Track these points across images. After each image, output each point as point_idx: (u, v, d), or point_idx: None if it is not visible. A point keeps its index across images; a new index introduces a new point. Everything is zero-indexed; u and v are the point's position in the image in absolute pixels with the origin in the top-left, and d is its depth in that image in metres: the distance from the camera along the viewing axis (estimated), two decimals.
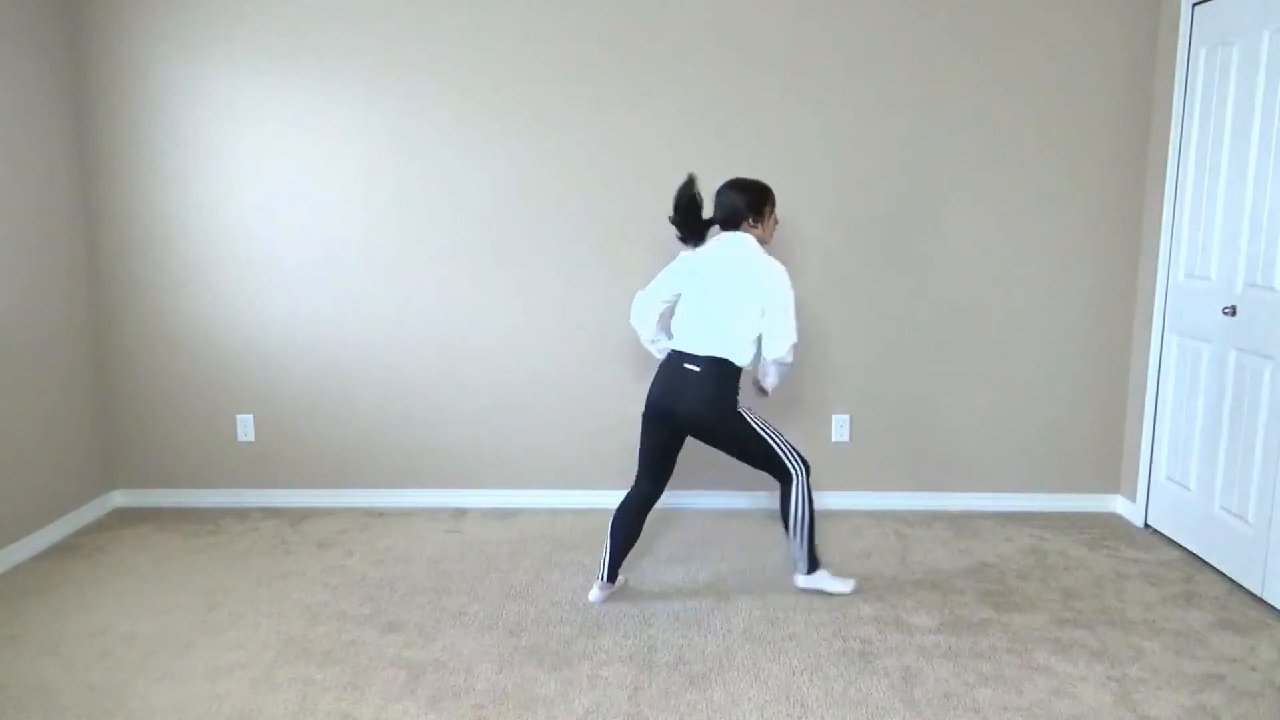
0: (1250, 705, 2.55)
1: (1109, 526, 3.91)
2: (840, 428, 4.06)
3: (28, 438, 3.63)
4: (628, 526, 3.14)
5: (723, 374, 3.02)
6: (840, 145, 3.86)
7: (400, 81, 3.87)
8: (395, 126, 3.90)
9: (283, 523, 3.96)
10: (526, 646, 2.87)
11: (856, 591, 3.24)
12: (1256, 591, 3.19)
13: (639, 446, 3.16)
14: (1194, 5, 3.53)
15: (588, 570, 3.43)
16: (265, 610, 3.13)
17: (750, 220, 3.07)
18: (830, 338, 3.98)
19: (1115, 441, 4.05)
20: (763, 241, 3.08)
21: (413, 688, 2.63)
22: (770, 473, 3.14)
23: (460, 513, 4.09)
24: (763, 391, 3.25)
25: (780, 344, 3.01)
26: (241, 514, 4.07)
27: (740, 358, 3.02)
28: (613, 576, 3.18)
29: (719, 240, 3.07)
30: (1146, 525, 3.88)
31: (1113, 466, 4.07)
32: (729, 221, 3.08)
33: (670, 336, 3.17)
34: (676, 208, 3.07)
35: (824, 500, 4.00)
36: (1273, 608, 3.12)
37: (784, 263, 3.06)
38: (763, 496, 4.08)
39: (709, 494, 4.08)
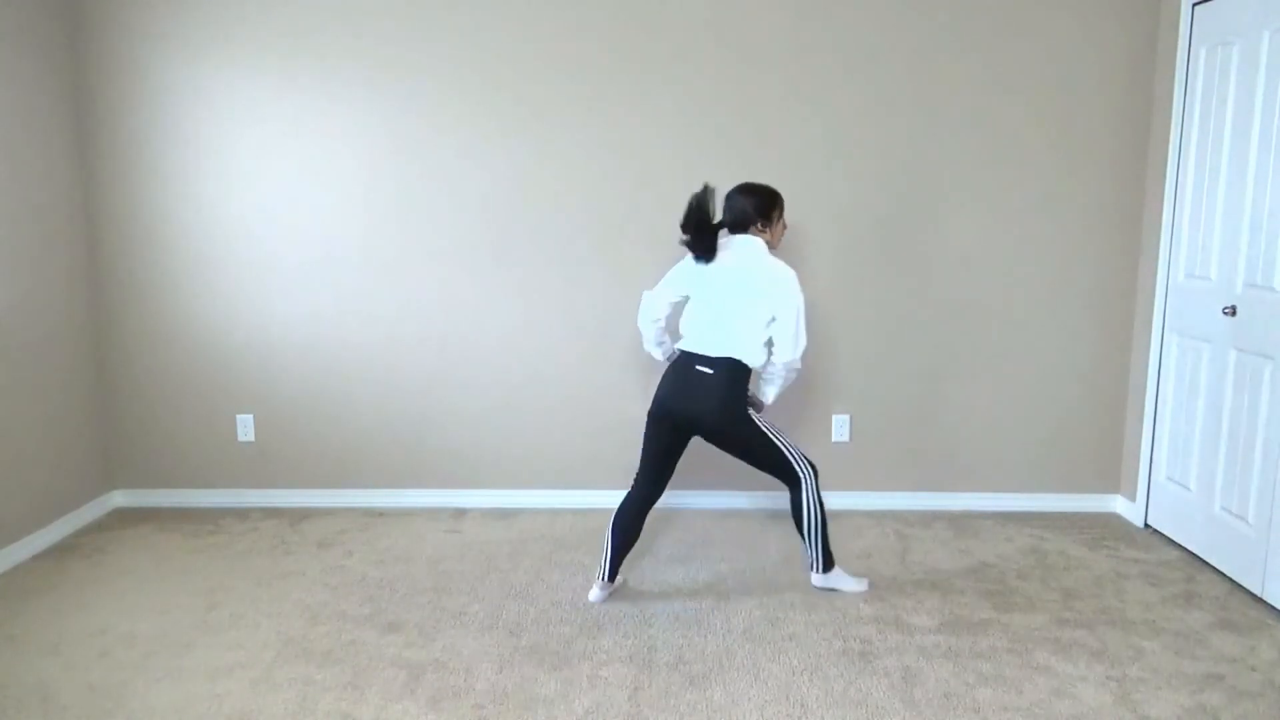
0: (1250, 705, 2.55)
1: (1109, 526, 3.91)
2: (840, 428, 4.06)
3: (28, 438, 3.63)
4: (627, 527, 3.15)
5: (735, 376, 3.02)
6: (840, 145, 3.86)
7: (400, 81, 3.87)
8: (395, 126, 3.90)
9: (283, 523, 3.96)
10: (526, 646, 2.87)
11: (871, 589, 3.25)
12: (1256, 591, 3.19)
13: (642, 446, 3.16)
14: (1194, 5, 3.53)
15: (588, 570, 3.43)
16: (265, 610, 3.13)
17: (758, 225, 3.08)
18: (830, 338, 3.98)
19: (1115, 441, 4.05)
20: (770, 246, 3.09)
21: (413, 688, 2.63)
22: (778, 476, 3.14)
23: (460, 513, 4.09)
24: (758, 405, 3.22)
25: (792, 348, 3.03)
26: (241, 514, 4.07)
27: (753, 360, 3.03)
28: (612, 576, 3.18)
29: (728, 243, 3.07)
30: (1146, 525, 3.88)
31: (1113, 466, 4.07)
32: (737, 225, 3.08)
33: (673, 338, 3.17)
34: (687, 225, 3.02)
35: (825, 500, 3.99)
36: (1273, 608, 3.12)
37: (784, 263, 3.06)
38: (763, 496, 4.08)
39: (709, 494, 4.08)
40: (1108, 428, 4.04)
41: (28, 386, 3.63)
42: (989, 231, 3.91)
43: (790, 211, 3.77)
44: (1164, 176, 3.73)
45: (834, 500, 4.06)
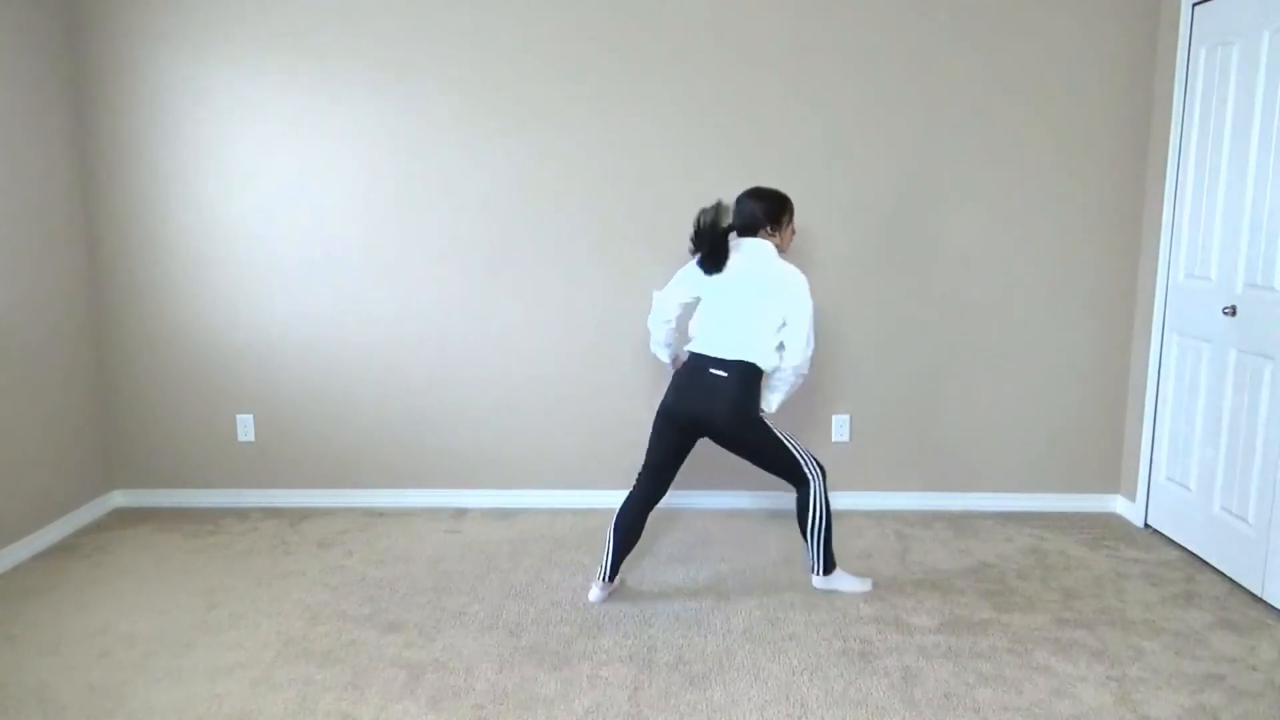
0: (1250, 705, 2.55)
1: (1109, 526, 3.91)
2: (840, 428, 4.06)
3: (28, 438, 3.63)
4: (629, 527, 3.15)
5: (748, 379, 3.03)
6: (840, 145, 3.86)
7: (400, 82, 3.87)
8: (395, 126, 3.90)
9: (283, 523, 3.96)
10: (526, 646, 2.87)
11: (873, 588, 3.25)
12: (1256, 591, 3.19)
13: (648, 447, 3.16)
14: (1194, 5, 3.53)
15: (588, 570, 3.43)
16: (265, 610, 3.13)
17: (768, 229, 3.09)
18: (830, 337, 3.98)
19: (1115, 441, 4.05)
20: (780, 250, 3.10)
21: (413, 688, 2.63)
22: (786, 478, 3.15)
23: (460, 513, 4.09)
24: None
25: (802, 352, 3.05)
26: (241, 514, 4.07)
27: (766, 363, 3.04)
28: (613, 576, 3.19)
29: (737, 245, 3.08)
30: (1146, 525, 3.88)
31: (1113, 466, 4.07)
32: (746, 229, 3.10)
33: (681, 339, 3.18)
34: (700, 245, 3.03)
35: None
36: (1273, 608, 3.12)
37: (794, 266, 3.08)
38: (763, 496, 4.08)
39: (709, 494, 4.08)
40: (1108, 428, 4.04)
41: (28, 386, 3.63)
42: (989, 231, 3.91)
43: None
44: (1164, 176, 3.73)
45: (834, 500, 4.05)
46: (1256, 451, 3.19)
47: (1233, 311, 3.32)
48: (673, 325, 3.21)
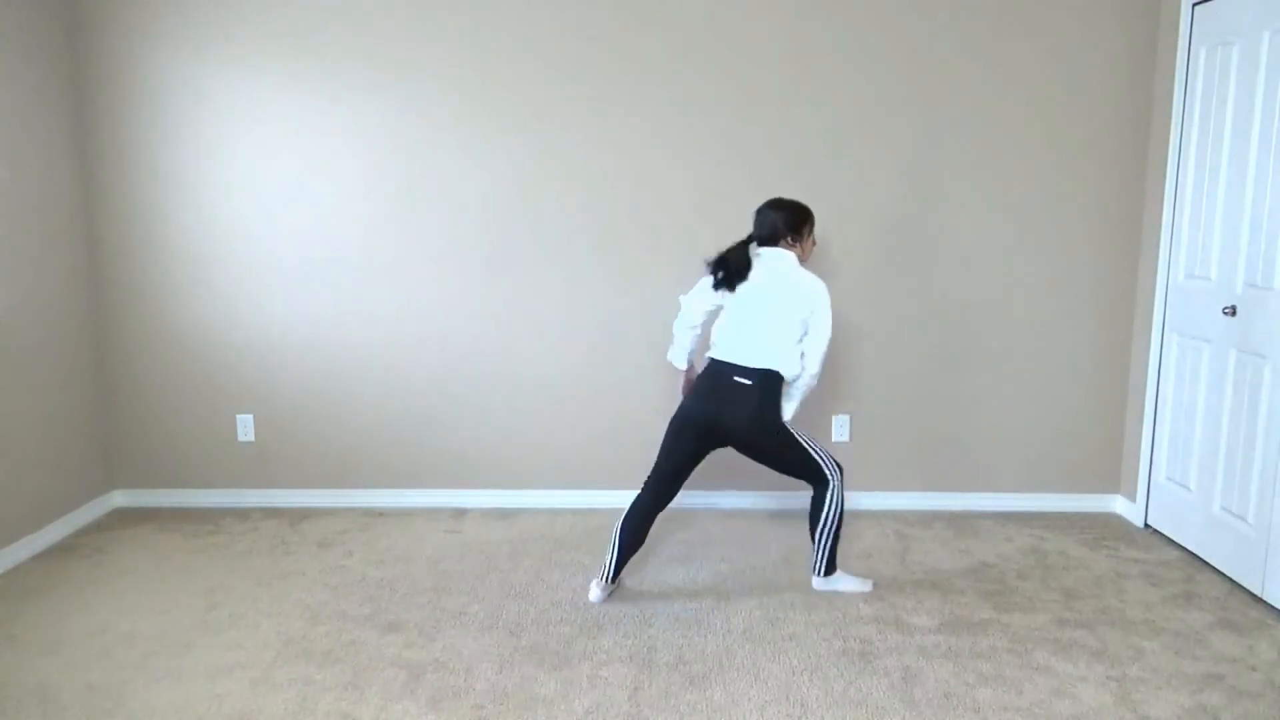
0: (1250, 705, 2.55)
1: (1109, 526, 3.91)
2: (840, 428, 4.06)
3: (28, 438, 3.63)
4: (635, 529, 3.15)
5: (771, 387, 3.05)
6: (840, 145, 3.86)
7: (400, 82, 3.87)
8: (395, 126, 3.90)
9: (283, 523, 3.96)
10: (526, 646, 2.87)
11: (873, 589, 3.25)
12: (1256, 591, 3.19)
13: (661, 451, 3.15)
14: (1194, 5, 3.53)
15: (588, 570, 3.43)
16: (265, 610, 3.13)
17: (789, 239, 3.11)
18: (830, 337, 3.97)
19: (1115, 441, 4.05)
20: (800, 260, 3.11)
21: (413, 688, 2.63)
22: (806, 480, 3.16)
23: (460, 513, 4.09)
24: None
25: (820, 360, 3.09)
26: (241, 514, 4.07)
27: (789, 371, 3.06)
28: (615, 577, 3.18)
29: (760, 256, 3.10)
30: (1146, 525, 3.88)
31: (1113, 466, 4.07)
32: (766, 239, 3.12)
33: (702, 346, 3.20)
34: (727, 267, 3.06)
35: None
36: (1273, 608, 3.12)
37: (815, 276, 3.11)
38: (763, 496, 4.09)
39: (710, 494, 4.08)
40: (1108, 428, 4.04)
41: (28, 386, 3.63)
42: (989, 231, 3.91)
43: None
44: (1164, 176, 3.73)
45: None
46: (1256, 451, 3.19)
47: (1233, 311, 3.32)
48: (698, 332, 3.22)
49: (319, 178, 3.94)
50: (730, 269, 3.07)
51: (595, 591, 3.18)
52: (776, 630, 2.97)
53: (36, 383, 3.68)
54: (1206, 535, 3.47)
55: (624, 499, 3.90)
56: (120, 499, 4.19)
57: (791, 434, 3.10)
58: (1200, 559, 3.52)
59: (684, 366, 3.30)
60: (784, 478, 3.82)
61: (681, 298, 3.21)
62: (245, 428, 4.12)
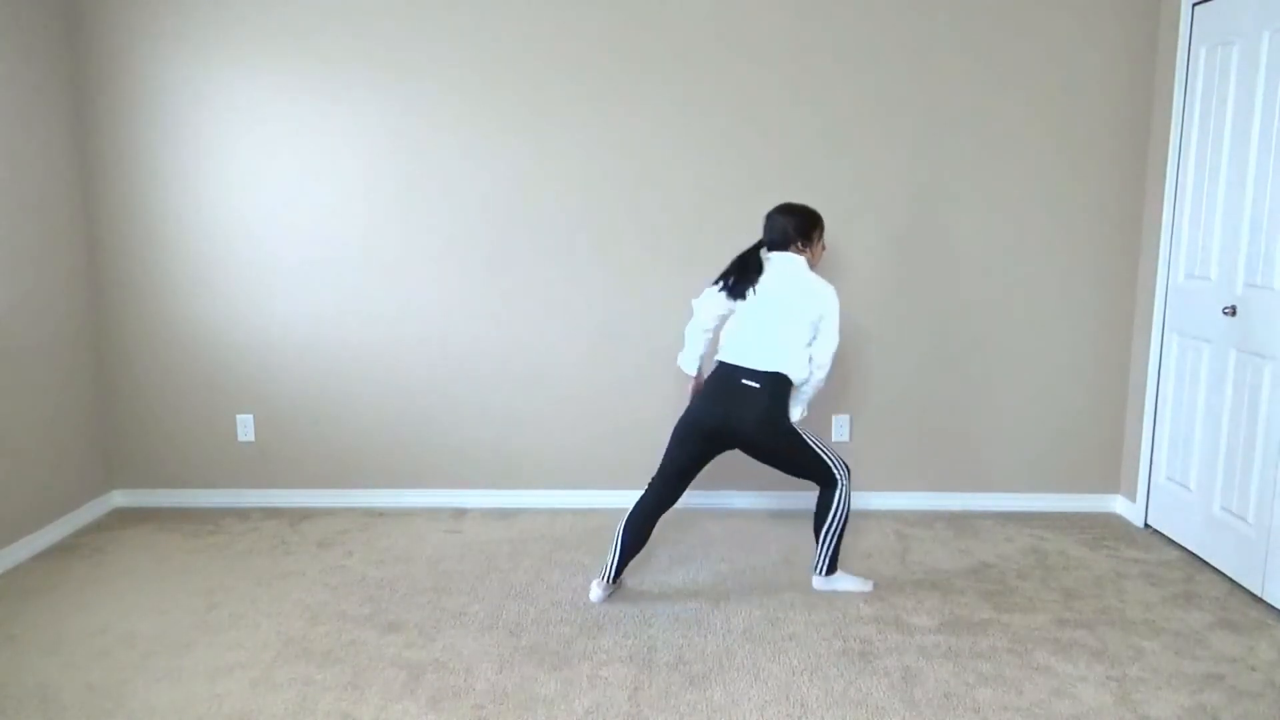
0: (1250, 705, 2.55)
1: (1109, 526, 3.91)
2: (840, 428, 4.06)
3: (28, 438, 3.63)
4: (639, 529, 3.15)
5: (780, 390, 3.06)
6: (840, 145, 3.86)
7: (401, 81, 3.87)
8: (395, 126, 3.90)
9: (283, 523, 3.96)
10: (526, 646, 2.87)
11: (873, 589, 3.25)
12: (1256, 591, 3.19)
13: (667, 454, 3.15)
14: (1194, 5, 3.53)
15: (588, 570, 3.43)
16: (265, 610, 3.13)
17: (798, 244, 3.12)
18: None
19: (1115, 441, 4.05)
20: (809, 265, 3.13)
21: (413, 688, 2.63)
22: (815, 480, 3.17)
23: (460, 513, 4.09)
24: None
25: (827, 365, 3.11)
26: (241, 514, 4.07)
27: (798, 375, 3.07)
28: (616, 578, 3.18)
29: (770, 260, 3.12)
30: (1146, 525, 3.88)
31: (1113, 466, 4.07)
32: (776, 244, 3.13)
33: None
34: (740, 272, 3.09)
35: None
36: (1273, 608, 3.12)
37: (825, 280, 3.12)
38: (763, 496, 4.09)
39: (710, 494, 4.08)
40: (1108, 428, 4.04)
41: (28, 386, 3.63)
42: (989, 231, 3.91)
43: None
44: (1164, 176, 3.73)
45: None
46: (1256, 451, 3.19)
47: (1233, 311, 3.32)
48: (710, 336, 3.22)
49: (319, 178, 3.94)
50: (742, 273, 3.09)
51: (596, 591, 3.18)
52: (776, 630, 2.97)
53: (36, 383, 3.69)
54: (1206, 535, 3.47)
55: (624, 499, 3.91)
56: (120, 499, 4.19)
57: (800, 436, 3.11)
58: (1200, 559, 3.52)
59: (694, 372, 3.29)
60: (784, 478, 3.83)
61: (694, 302, 3.21)
62: (245, 428, 4.12)
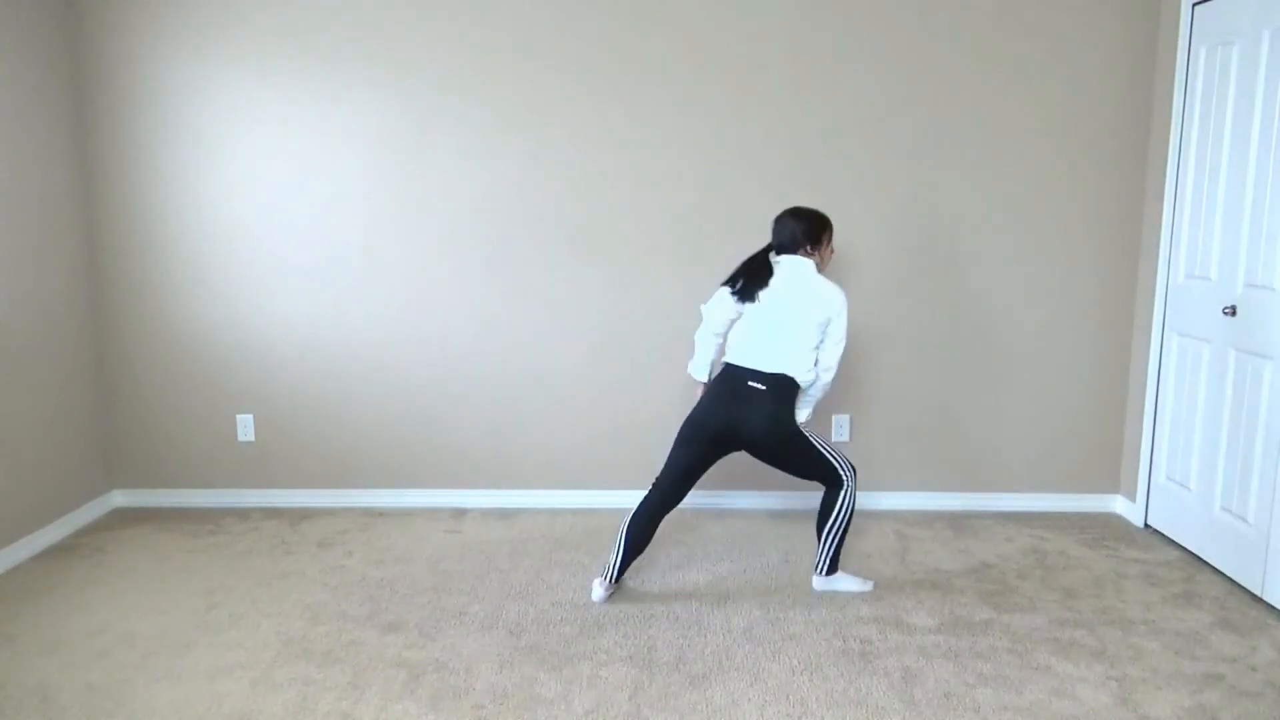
0: (1250, 705, 2.55)
1: (1109, 526, 3.91)
2: (840, 428, 4.06)
3: (28, 438, 3.63)
4: (643, 529, 3.15)
5: (786, 393, 3.06)
6: (840, 145, 3.86)
7: (401, 81, 3.87)
8: (395, 126, 3.90)
9: (283, 523, 3.96)
10: (526, 646, 2.87)
11: (873, 589, 3.25)
12: (1256, 591, 3.19)
13: (671, 455, 3.15)
14: (1194, 5, 3.53)
15: (588, 570, 3.43)
16: (265, 610, 3.13)
17: (807, 248, 3.12)
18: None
19: (1115, 441, 4.05)
20: (818, 268, 3.13)
21: (413, 688, 2.63)
22: (821, 481, 3.17)
23: (460, 513, 4.09)
24: None
25: (834, 368, 3.12)
26: (241, 514, 4.07)
27: (803, 377, 3.07)
28: (618, 578, 3.18)
29: (779, 263, 3.12)
30: (1146, 525, 3.88)
31: (1113, 466, 4.07)
32: (785, 247, 3.13)
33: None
34: (750, 275, 3.10)
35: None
36: (1273, 608, 3.12)
37: (834, 283, 3.12)
38: (764, 496, 4.09)
39: (710, 494, 4.08)
40: (1108, 428, 4.04)
41: (28, 386, 3.63)
42: (988, 231, 3.91)
43: None
44: (1164, 176, 3.73)
45: None
46: (1256, 451, 3.19)
47: (1233, 311, 3.32)
48: (721, 340, 3.22)
49: (319, 177, 3.94)
50: (752, 276, 3.09)
51: (597, 591, 3.18)
52: (776, 630, 2.97)
53: (36, 383, 3.69)
54: (1206, 535, 3.47)
55: (624, 499, 3.92)
56: (120, 499, 4.19)
57: (806, 438, 3.11)
58: (1200, 559, 3.52)
59: (704, 379, 3.27)
60: (785, 478, 3.84)
61: (703, 307, 3.20)
62: (245, 428, 4.12)
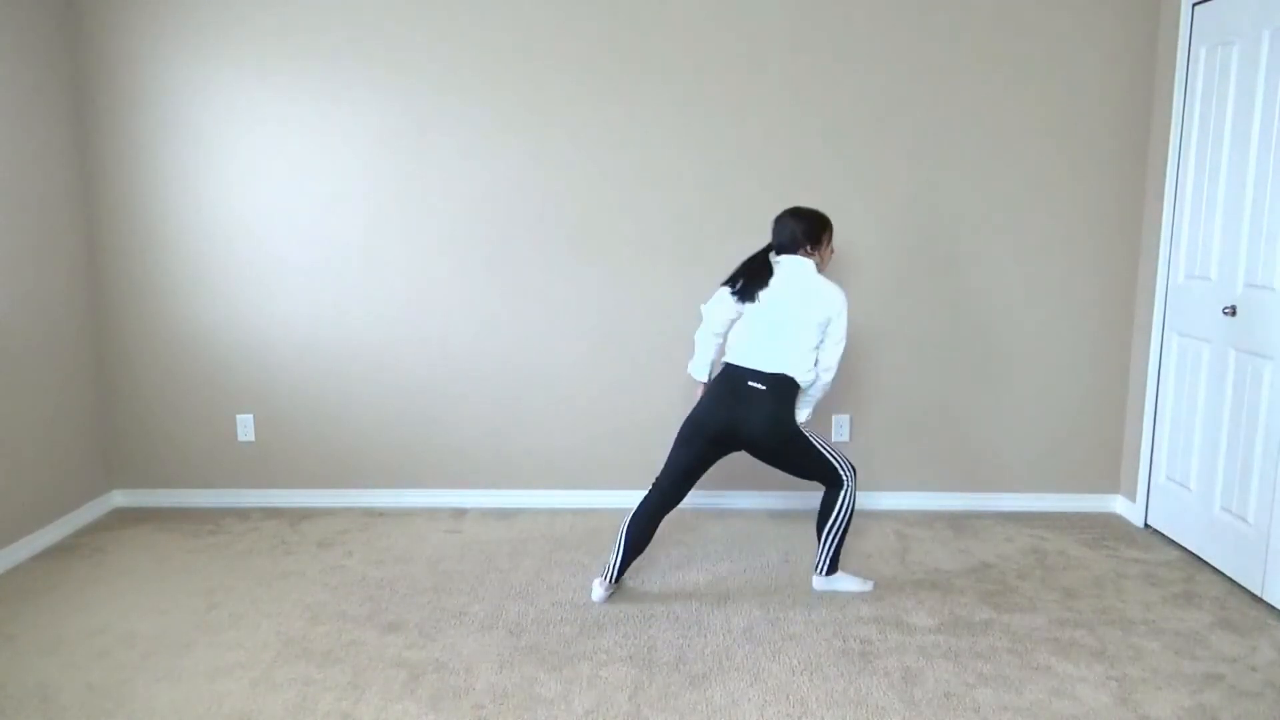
0: (1250, 705, 2.55)
1: (1109, 526, 3.91)
2: (840, 428, 4.06)
3: (28, 438, 3.63)
4: (643, 529, 3.15)
5: (786, 393, 3.06)
6: (840, 145, 3.86)
7: (401, 81, 3.87)
8: (395, 126, 3.90)
9: (283, 523, 3.96)
10: (526, 646, 2.87)
11: (873, 589, 3.25)
12: (1256, 591, 3.19)
13: (672, 455, 3.15)
14: (1194, 5, 3.53)
15: (588, 570, 3.43)
16: (265, 610, 3.13)
17: (807, 248, 3.12)
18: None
19: (1115, 441, 4.05)
20: (818, 268, 3.13)
21: (413, 688, 2.63)
22: (821, 482, 3.18)
23: (460, 513, 4.09)
24: None
25: (834, 368, 3.12)
26: (241, 514, 4.07)
27: (803, 377, 3.07)
28: (618, 578, 3.18)
29: (780, 263, 3.12)
30: (1146, 525, 3.88)
31: (1113, 466, 4.07)
32: (786, 247, 3.13)
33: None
34: (750, 275, 3.10)
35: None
36: (1273, 608, 3.12)
37: (835, 283, 3.12)
38: (764, 496, 4.09)
39: (710, 494, 4.08)
40: (1108, 428, 4.04)
41: (28, 386, 3.63)
42: (989, 231, 3.91)
43: None
44: (1164, 176, 3.73)
45: None
46: (1256, 451, 3.19)
47: (1233, 311, 3.32)
48: (721, 340, 3.22)
49: (319, 177, 3.94)
50: (752, 276, 3.09)
51: (597, 591, 3.18)
52: (776, 630, 2.97)
53: (36, 383, 3.69)
54: (1206, 535, 3.47)
55: (624, 499, 3.92)
56: (120, 499, 4.19)
57: (806, 438, 3.11)
58: (1200, 559, 3.52)
59: (704, 379, 3.27)
60: (785, 478, 3.84)
61: (703, 307, 3.20)
62: (245, 428, 4.12)
